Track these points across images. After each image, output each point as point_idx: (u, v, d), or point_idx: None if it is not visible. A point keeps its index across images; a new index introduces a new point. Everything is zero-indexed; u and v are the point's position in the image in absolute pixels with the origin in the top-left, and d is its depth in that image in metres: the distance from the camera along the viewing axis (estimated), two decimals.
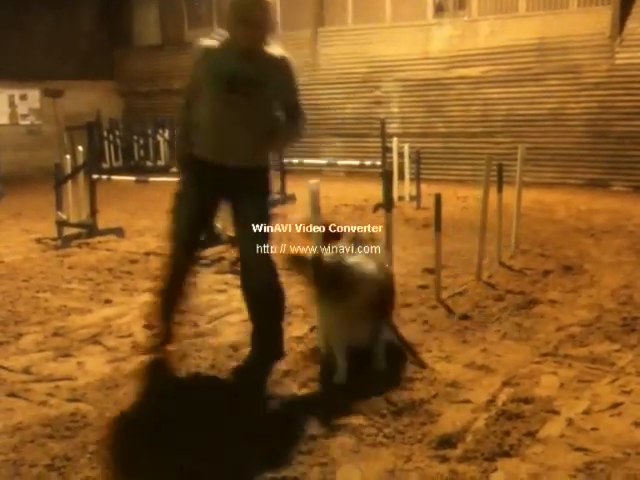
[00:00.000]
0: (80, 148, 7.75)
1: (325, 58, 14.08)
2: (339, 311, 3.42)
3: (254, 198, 3.79)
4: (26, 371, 3.65)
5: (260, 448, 2.77)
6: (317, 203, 3.68)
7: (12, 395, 3.34)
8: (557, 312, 4.52)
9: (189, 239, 3.84)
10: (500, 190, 5.69)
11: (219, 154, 3.74)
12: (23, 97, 14.72)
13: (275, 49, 3.73)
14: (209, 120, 3.72)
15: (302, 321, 4.33)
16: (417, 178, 9.45)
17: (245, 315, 3.98)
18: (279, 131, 3.81)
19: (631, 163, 11.05)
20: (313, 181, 3.64)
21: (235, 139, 3.71)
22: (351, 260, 3.49)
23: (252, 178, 3.80)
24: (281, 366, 3.62)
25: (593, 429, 2.90)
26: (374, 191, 9.22)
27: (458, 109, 12.60)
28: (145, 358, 3.79)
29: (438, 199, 4.70)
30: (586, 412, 3.06)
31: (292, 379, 3.45)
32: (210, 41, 3.74)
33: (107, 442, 2.83)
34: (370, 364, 3.55)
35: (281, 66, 3.77)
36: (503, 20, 12.14)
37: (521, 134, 11.68)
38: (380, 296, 3.54)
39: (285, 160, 10.51)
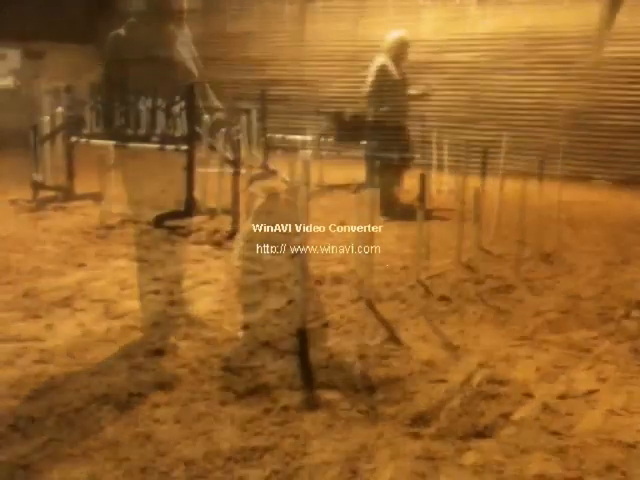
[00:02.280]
0: (60, 109, 7.55)
1: (312, 34, 13.90)
2: None
3: None
4: None
5: (232, 417, 2.72)
6: (308, 174, 3.62)
7: None
8: (535, 298, 4.51)
9: None
10: (483, 176, 5.68)
11: None
12: (2, 57, 14.36)
13: None
14: None
15: (280, 294, 4.28)
16: None
17: (221, 285, 3.91)
18: None
19: (613, 157, 11.10)
20: (306, 151, 3.60)
21: None
22: None
23: None
24: (259, 337, 3.56)
25: (568, 414, 2.88)
26: (356, 172, 9.15)
27: (448, 94, 12.53)
28: (116, 323, 3.71)
29: (423, 179, 4.66)
30: (561, 397, 3.04)
31: (268, 350, 3.40)
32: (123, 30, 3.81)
33: (74, 404, 2.76)
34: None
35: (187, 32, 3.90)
36: (494, 7, 12.05)
37: (505, 122, 11.66)
38: None
39: (268, 135, 10.39)
